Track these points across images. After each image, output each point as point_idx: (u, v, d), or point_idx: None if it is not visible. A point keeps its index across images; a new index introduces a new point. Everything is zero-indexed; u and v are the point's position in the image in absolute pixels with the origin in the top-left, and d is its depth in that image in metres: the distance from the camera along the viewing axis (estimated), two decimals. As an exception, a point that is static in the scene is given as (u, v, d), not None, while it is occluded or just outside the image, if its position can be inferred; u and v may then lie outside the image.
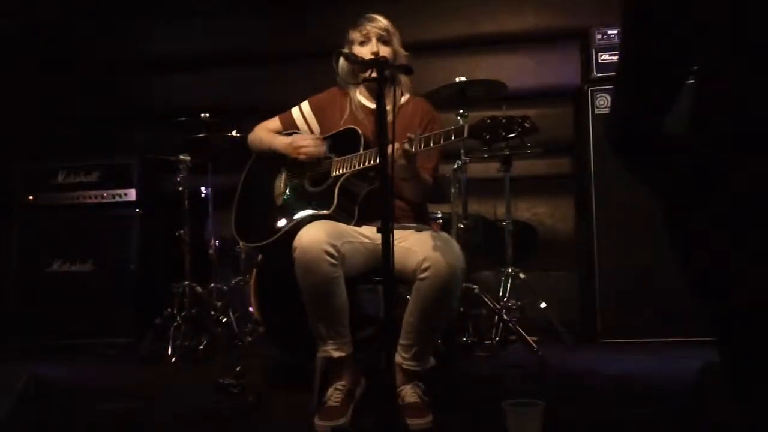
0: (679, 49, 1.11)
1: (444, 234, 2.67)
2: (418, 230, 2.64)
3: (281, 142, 2.88)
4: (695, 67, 1.10)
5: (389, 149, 2.04)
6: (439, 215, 3.64)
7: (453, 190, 3.61)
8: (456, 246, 2.53)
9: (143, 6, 5.03)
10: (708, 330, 1.11)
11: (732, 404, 1.10)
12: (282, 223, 2.75)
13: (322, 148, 2.78)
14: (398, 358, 2.48)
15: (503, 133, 2.15)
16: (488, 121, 2.18)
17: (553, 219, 4.58)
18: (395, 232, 1.99)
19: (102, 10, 5.05)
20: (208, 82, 5.02)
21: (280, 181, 2.90)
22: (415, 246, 2.48)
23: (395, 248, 1.98)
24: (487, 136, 2.18)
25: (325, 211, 2.61)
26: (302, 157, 2.78)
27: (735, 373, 1.09)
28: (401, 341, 2.47)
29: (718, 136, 1.05)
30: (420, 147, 2.36)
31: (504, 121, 2.16)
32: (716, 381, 1.92)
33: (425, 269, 2.38)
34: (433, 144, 2.34)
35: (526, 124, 2.14)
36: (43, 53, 4.92)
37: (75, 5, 4.97)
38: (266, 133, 2.98)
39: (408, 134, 2.38)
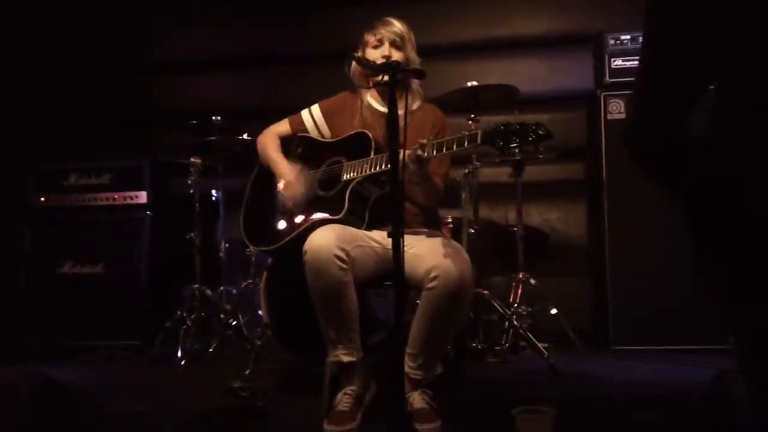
0: (699, 60, 1.10)
1: (454, 242, 2.65)
2: (429, 236, 2.63)
3: (279, 167, 2.85)
4: (717, 75, 1.09)
5: (400, 154, 2.03)
6: (450, 220, 3.63)
7: (464, 195, 3.59)
8: (465, 255, 2.51)
9: (156, 8, 5.04)
10: (722, 338, 1.10)
11: (749, 413, 1.08)
12: (292, 227, 2.75)
13: (291, 203, 2.77)
14: (405, 367, 2.46)
15: (517, 140, 2.13)
16: (502, 127, 2.16)
17: (564, 224, 4.55)
18: (405, 237, 1.97)
19: (115, 12, 5.07)
20: (220, 85, 5.02)
21: (290, 185, 2.89)
22: (424, 253, 2.46)
23: (405, 254, 1.96)
24: (501, 143, 2.15)
25: (335, 216, 2.60)
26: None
27: (755, 380, 1.08)
28: (408, 350, 2.45)
29: (744, 140, 1.03)
30: (432, 152, 2.34)
31: (518, 127, 2.13)
32: (732, 389, 1.90)
33: (433, 278, 2.36)
34: (446, 150, 2.32)
35: (540, 131, 2.11)
36: (56, 55, 4.93)
37: (89, 7, 4.99)
38: (272, 144, 2.95)
39: (420, 140, 2.37)
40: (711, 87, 1.11)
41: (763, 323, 1.04)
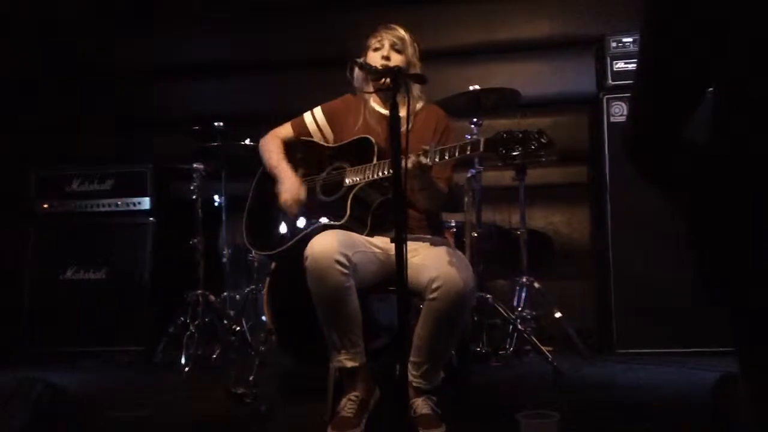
0: (698, 63, 1.10)
1: (458, 252, 2.64)
2: (432, 243, 2.62)
3: (281, 172, 2.83)
4: (715, 79, 1.08)
5: (403, 160, 2.03)
6: (453, 224, 3.62)
7: (467, 199, 3.59)
8: (468, 265, 2.50)
9: (159, 12, 5.04)
10: (726, 340, 1.10)
11: (751, 416, 1.08)
12: (294, 232, 2.74)
13: (293, 210, 2.75)
14: (408, 375, 2.45)
15: (519, 148, 2.13)
16: (504, 135, 2.16)
17: (568, 228, 4.54)
18: (409, 243, 1.97)
19: (118, 16, 5.07)
20: (222, 91, 5.02)
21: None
22: (427, 262, 2.46)
23: (408, 261, 1.96)
24: (503, 150, 2.15)
25: (337, 221, 2.60)
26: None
27: (756, 383, 1.07)
28: (411, 358, 2.45)
29: (744, 143, 1.03)
30: (435, 159, 2.34)
31: (520, 135, 2.13)
32: (735, 392, 1.90)
33: (435, 289, 2.36)
34: (449, 157, 2.32)
35: (542, 140, 2.10)
36: (59, 60, 4.94)
37: (91, 10, 5.00)
38: (275, 149, 2.93)
39: (423, 146, 2.37)
40: (710, 89, 1.11)
41: (764, 325, 1.03)
